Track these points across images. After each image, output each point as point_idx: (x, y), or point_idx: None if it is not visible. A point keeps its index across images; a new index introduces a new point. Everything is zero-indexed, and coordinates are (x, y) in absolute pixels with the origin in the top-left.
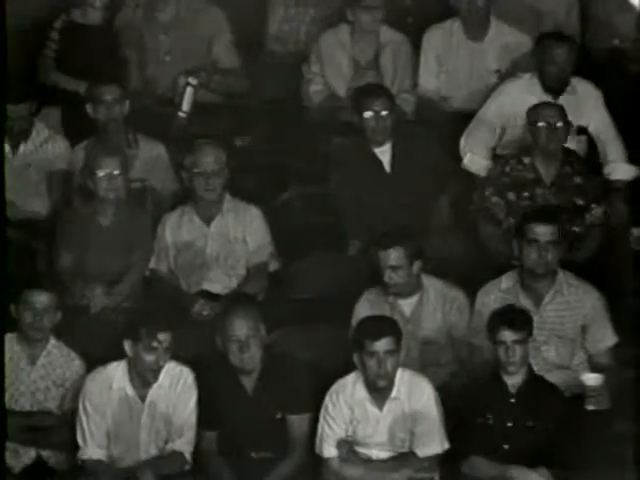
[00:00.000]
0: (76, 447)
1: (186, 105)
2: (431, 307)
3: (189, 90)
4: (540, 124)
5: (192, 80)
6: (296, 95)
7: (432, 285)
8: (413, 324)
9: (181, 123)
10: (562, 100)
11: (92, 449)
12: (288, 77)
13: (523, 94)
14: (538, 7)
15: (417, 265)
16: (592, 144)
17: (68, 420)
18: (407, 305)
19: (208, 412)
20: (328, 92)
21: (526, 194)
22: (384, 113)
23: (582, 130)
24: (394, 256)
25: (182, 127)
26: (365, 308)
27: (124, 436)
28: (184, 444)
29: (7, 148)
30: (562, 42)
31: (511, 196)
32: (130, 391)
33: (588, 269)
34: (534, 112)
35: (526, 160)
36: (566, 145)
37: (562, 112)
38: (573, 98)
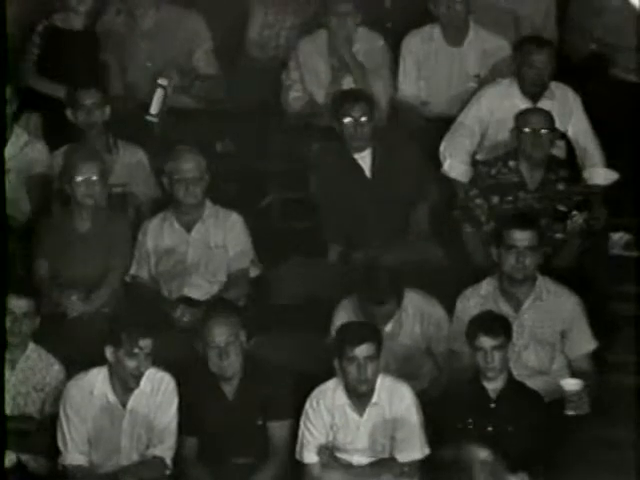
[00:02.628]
0: (57, 452)
1: (154, 107)
2: (410, 323)
3: (158, 92)
4: (525, 130)
5: (162, 81)
6: (276, 100)
7: (410, 300)
8: (392, 340)
9: (150, 127)
10: (541, 105)
11: (73, 454)
12: (268, 82)
13: (502, 99)
14: (516, 12)
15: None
16: (571, 149)
17: (48, 425)
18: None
19: (189, 418)
20: (307, 98)
21: (509, 198)
22: (363, 119)
23: (561, 135)
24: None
25: (152, 131)
26: (342, 317)
27: (105, 442)
28: (165, 450)
29: None
30: (541, 47)
31: (495, 199)
32: (111, 397)
33: (567, 274)
34: (521, 117)
35: (512, 164)
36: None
37: (549, 119)
38: (552, 103)
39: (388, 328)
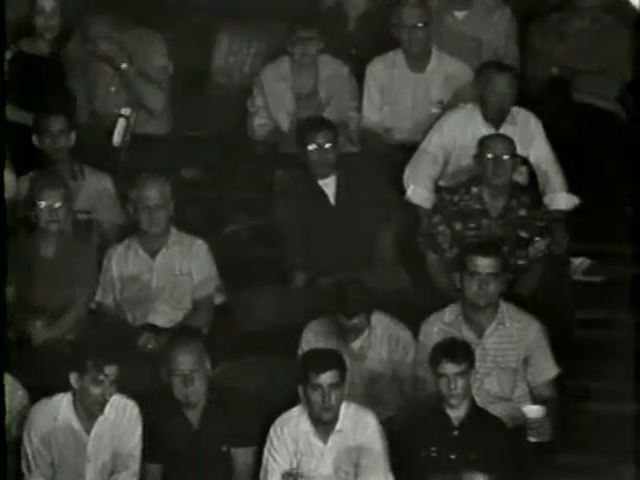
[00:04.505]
0: (20, 476)
1: (117, 136)
2: (378, 343)
3: (121, 121)
4: (488, 156)
5: (124, 111)
6: (242, 127)
7: (380, 322)
8: (360, 360)
9: (114, 155)
10: (502, 130)
11: (37, 478)
12: (234, 109)
13: (464, 125)
14: (478, 37)
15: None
16: (532, 174)
17: (12, 449)
18: (355, 341)
19: (153, 445)
20: (272, 125)
21: (472, 225)
22: (327, 146)
23: (523, 160)
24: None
25: (118, 157)
26: (310, 339)
27: (69, 467)
28: (129, 476)
29: None
30: (503, 72)
31: (458, 226)
32: (75, 423)
33: (529, 300)
34: (483, 144)
35: (474, 190)
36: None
37: (511, 145)
38: (513, 128)
39: (357, 346)
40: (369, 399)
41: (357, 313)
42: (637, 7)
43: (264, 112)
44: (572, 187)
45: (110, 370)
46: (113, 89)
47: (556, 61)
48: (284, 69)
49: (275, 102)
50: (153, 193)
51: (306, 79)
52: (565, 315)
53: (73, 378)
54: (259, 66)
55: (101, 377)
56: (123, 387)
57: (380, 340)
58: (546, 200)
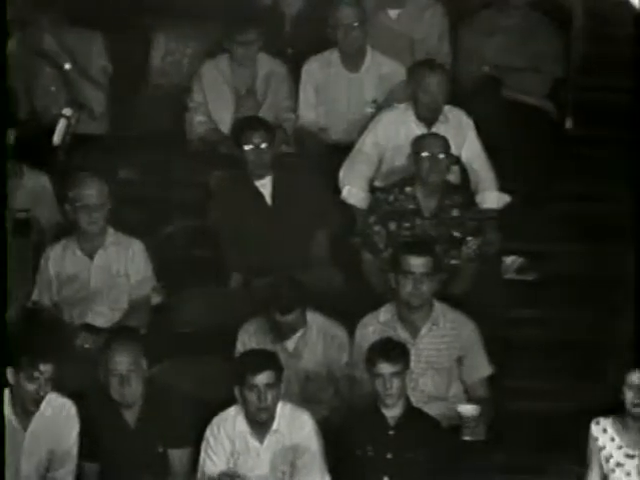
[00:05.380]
0: None
1: (57, 137)
2: (314, 342)
3: (62, 122)
4: (423, 154)
5: (66, 111)
6: (180, 127)
7: (315, 321)
8: (295, 359)
9: (53, 154)
10: (435, 129)
11: None
12: (172, 109)
13: (398, 125)
14: (410, 35)
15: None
16: (464, 173)
17: None
18: (290, 340)
19: (90, 444)
20: (211, 124)
21: (407, 224)
22: (263, 146)
23: (455, 159)
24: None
25: (54, 158)
26: (245, 340)
27: (5, 464)
28: (65, 474)
29: None
30: (434, 71)
31: (392, 226)
32: (12, 419)
33: (462, 299)
34: (418, 143)
35: (408, 190)
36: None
37: (445, 143)
38: (445, 127)
39: (292, 345)
40: (305, 399)
41: (292, 309)
42: (637, 7)
43: (204, 108)
44: (503, 185)
45: (45, 368)
46: (53, 88)
47: (487, 59)
48: (223, 66)
49: (214, 98)
50: (92, 192)
51: (245, 77)
52: (498, 314)
53: (9, 374)
54: (196, 66)
55: (36, 374)
56: (60, 386)
57: (316, 339)
58: (478, 199)
